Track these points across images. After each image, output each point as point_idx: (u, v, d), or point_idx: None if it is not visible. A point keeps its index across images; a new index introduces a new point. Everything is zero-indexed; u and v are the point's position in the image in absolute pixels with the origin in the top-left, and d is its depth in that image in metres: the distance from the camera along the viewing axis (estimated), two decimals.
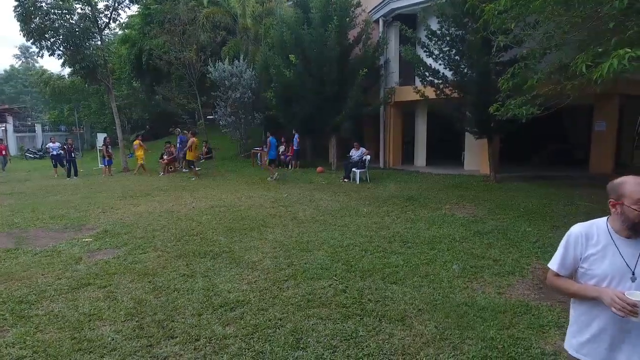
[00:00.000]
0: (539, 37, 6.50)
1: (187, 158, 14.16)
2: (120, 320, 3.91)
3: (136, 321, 3.88)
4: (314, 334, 3.56)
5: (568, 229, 1.95)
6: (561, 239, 1.96)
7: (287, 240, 6.40)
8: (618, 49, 4.36)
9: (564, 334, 3.48)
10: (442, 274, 4.85)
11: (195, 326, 3.77)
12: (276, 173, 13.14)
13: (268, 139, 13.48)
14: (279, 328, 3.68)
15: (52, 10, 14.92)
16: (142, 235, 6.91)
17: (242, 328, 3.70)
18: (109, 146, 16.60)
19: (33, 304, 4.30)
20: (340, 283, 4.64)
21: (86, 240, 6.71)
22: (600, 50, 4.81)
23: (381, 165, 15.12)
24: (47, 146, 22.00)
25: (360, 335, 3.52)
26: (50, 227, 7.71)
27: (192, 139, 13.91)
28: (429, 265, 5.17)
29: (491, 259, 5.33)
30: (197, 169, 14.57)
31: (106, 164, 16.36)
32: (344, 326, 3.68)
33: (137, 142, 16.73)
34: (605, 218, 1.88)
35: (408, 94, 13.23)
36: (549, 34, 6.13)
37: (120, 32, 27.61)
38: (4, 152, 18.67)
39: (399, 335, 3.52)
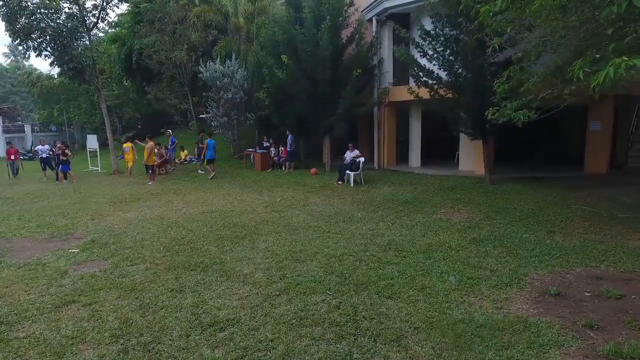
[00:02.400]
0: (534, 40, 6.38)
1: (146, 163, 13.87)
2: (104, 343, 3.74)
3: (121, 344, 3.72)
4: (306, 357, 3.43)
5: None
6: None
7: (280, 249, 6.25)
8: (616, 56, 4.24)
9: (565, 354, 3.40)
10: (439, 287, 4.73)
11: (183, 349, 3.62)
12: (213, 172, 14.35)
13: (206, 141, 14.47)
14: (269, 350, 3.54)
15: (39, 10, 14.55)
16: (130, 245, 6.73)
17: (232, 351, 3.55)
18: (59, 151, 15.00)
19: (13, 325, 4.13)
20: (334, 298, 4.51)
21: (73, 251, 6.51)
22: (598, 55, 4.69)
23: (375, 166, 14.99)
24: (35, 149, 21.51)
25: (355, 358, 3.39)
26: (36, 237, 7.49)
27: (150, 143, 13.70)
28: (424, 276, 5.05)
29: (488, 269, 5.22)
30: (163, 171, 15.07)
31: (63, 169, 14.98)
32: (337, 347, 3.54)
33: (128, 144, 16.38)
34: None
35: (402, 94, 13.10)
36: (545, 38, 6.00)
37: (110, 31, 27.17)
38: (12, 157, 16.93)
39: (394, 357, 3.39)
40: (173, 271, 5.47)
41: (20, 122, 42.60)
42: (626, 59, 4.03)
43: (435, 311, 4.14)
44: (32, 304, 4.60)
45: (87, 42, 16.33)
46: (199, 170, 15.87)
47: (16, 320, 4.23)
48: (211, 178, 14.05)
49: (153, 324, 4.06)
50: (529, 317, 3.97)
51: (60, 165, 15.02)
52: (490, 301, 4.34)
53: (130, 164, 15.71)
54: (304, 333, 3.79)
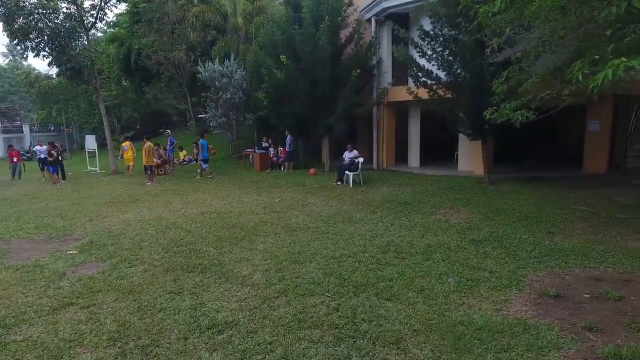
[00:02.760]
0: (534, 41, 6.37)
1: (145, 164, 13.91)
2: (102, 347, 3.73)
3: (119, 347, 3.71)
4: None
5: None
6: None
7: (279, 250, 6.24)
8: (615, 57, 4.23)
9: (564, 356, 3.39)
10: (438, 288, 4.72)
11: (181, 352, 3.60)
12: (210, 172, 14.66)
13: (199, 142, 14.71)
14: (268, 354, 3.52)
15: (36, 10, 14.51)
16: (129, 246, 6.71)
17: (230, 354, 3.53)
18: (48, 151, 14.88)
19: (11, 328, 4.11)
20: (332, 300, 4.49)
21: (71, 252, 6.49)
22: (597, 57, 4.67)
23: (374, 166, 14.98)
24: (34, 149, 21.40)
25: None
26: (34, 238, 7.47)
27: (147, 144, 13.72)
28: (423, 278, 5.04)
29: (487, 270, 5.21)
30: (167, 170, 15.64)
31: (52, 171, 14.82)
32: (336, 350, 3.53)
33: (127, 143, 16.41)
34: None
35: (401, 94, 13.09)
36: (544, 38, 5.99)
37: (108, 31, 27.10)
38: (15, 159, 16.69)
39: None
40: (171, 273, 5.46)
41: (18, 122, 42.51)
42: (625, 60, 4.01)
43: (434, 313, 4.13)
44: (29, 306, 4.58)
45: (85, 42, 16.28)
46: (199, 170, 15.85)
47: (14, 323, 4.21)
48: (198, 178, 14.32)
49: (151, 327, 4.04)
50: (528, 319, 3.96)
51: (50, 167, 14.90)
52: (489, 303, 4.33)
53: (131, 162, 15.71)
54: (303, 336, 3.78)
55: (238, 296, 4.69)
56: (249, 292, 4.79)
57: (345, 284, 4.90)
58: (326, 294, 4.65)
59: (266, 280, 5.11)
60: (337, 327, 3.90)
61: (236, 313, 4.27)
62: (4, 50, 59.48)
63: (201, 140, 14.52)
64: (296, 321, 4.05)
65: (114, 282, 5.22)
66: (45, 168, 15.53)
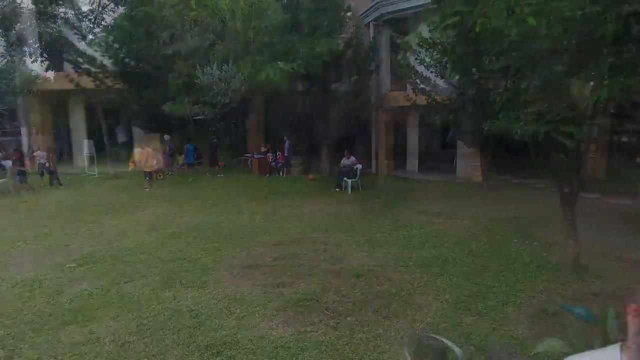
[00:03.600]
0: (530, 54, 6.38)
1: (145, 170, 13.97)
2: None
3: None
4: None
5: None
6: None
7: (277, 263, 6.26)
8: (612, 74, 4.27)
9: None
10: (435, 305, 4.75)
11: None
12: (191, 178, 14.83)
13: (185, 146, 15.29)
14: None
15: (34, 16, 14.48)
16: (127, 258, 6.71)
17: None
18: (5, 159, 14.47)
19: (12, 349, 4.11)
20: (331, 318, 4.51)
21: (70, 265, 6.49)
22: (593, 74, 4.70)
23: (373, 170, 15.01)
24: (33, 154, 21.26)
25: None
26: (33, 249, 7.46)
27: (146, 149, 13.78)
28: (422, 294, 5.06)
29: (485, 285, 5.24)
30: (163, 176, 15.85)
31: (19, 181, 14.10)
32: None
33: (138, 148, 16.46)
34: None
35: (400, 99, 13.11)
36: (539, 55, 6.02)
37: (106, 34, 26.99)
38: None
39: None
40: (170, 288, 5.46)
41: (16, 124, 42.32)
42: (621, 79, 4.04)
43: (432, 332, 4.15)
44: (29, 325, 4.58)
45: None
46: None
47: (13, 344, 4.22)
48: (191, 181, 14.56)
49: (150, 347, 4.05)
50: (525, 339, 3.99)
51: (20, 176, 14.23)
52: (487, 321, 4.35)
53: (133, 165, 15.72)
54: (302, 358, 3.80)
55: (237, 313, 4.70)
56: (247, 309, 4.80)
57: (344, 301, 4.92)
58: (325, 311, 4.68)
59: (264, 296, 5.13)
60: (335, 349, 3.92)
61: (235, 332, 4.28)
62: (1, 50, 59.13)
63: (188, 144, 14.98)
64: (295, 341, 4.07)
65: (113, 298, 5.23)
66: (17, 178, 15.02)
